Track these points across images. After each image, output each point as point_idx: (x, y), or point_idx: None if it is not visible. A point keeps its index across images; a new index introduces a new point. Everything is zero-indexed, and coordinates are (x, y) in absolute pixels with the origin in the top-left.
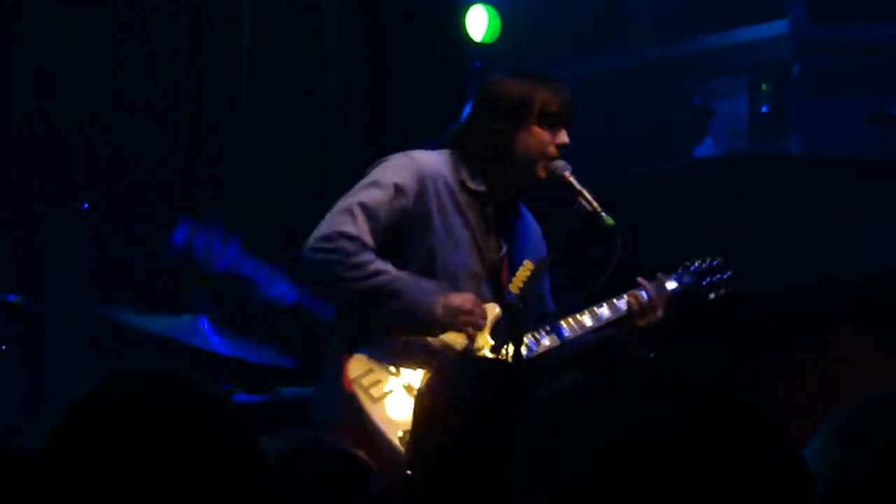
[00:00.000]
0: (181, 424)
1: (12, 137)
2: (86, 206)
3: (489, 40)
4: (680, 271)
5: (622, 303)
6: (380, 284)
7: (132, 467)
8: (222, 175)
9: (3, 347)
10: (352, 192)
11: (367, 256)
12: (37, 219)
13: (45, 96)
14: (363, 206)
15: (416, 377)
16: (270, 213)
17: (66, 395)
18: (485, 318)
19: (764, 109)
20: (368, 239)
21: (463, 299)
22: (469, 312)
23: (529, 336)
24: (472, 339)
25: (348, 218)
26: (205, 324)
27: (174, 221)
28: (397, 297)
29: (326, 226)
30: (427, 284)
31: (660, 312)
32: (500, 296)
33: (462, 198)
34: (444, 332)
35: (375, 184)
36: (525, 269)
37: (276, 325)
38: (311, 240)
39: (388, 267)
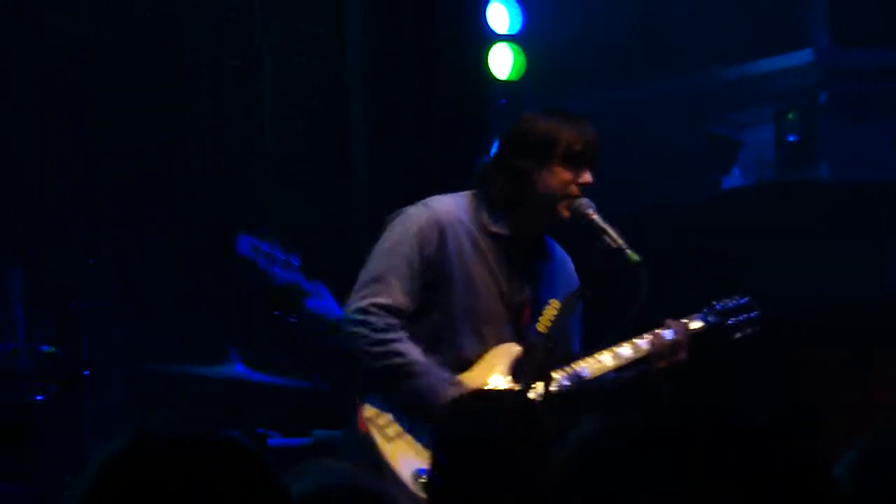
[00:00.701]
0: (210, 480)
1: (54, 187)
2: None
3: (514, 77)
4: (706, 310)
5: (644, 343)
6: (397, 365)
7: None
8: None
9: (39, 398)
10: (376, 254)
11: (393, 335)
12: (73, 267)
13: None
14: (391, 269)
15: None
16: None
17: (98, 453)
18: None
19: (791, 139)
20: (403, 304)
21: (479, 391)
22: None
23: (555, 376)
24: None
25: (379, 287)
26: (239, 365)
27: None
28: (411, 381)
29: (359, 297)
30: (442, 374)
31: (682, 354)
32: (521, 337)
33: (483, 241)
34: None
35: (399, 243)
36: (552, 308)
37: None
38: (347, 310)
39: (411, 350)
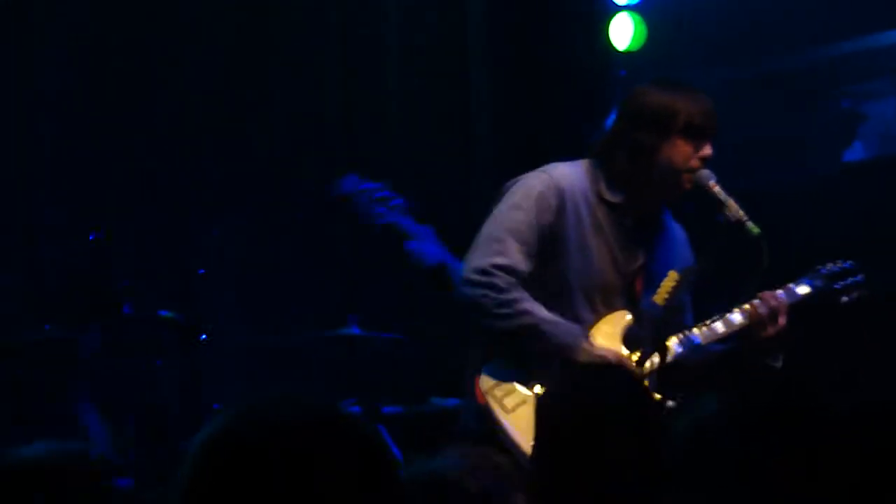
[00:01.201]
0: (314, 456)
1: (170, 166)
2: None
3: (634, 48)
4: (811, 275)
5: (752, 308)
6: (526, 325)
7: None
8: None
9: (159, 363)
10: (496, 216)
11: (516, 293)
12: (191, 238)
13: (194, 119)
14: (511, 231)
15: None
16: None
17: (207, 425)
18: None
19: None
20: (522, 266)
21: (606, 353)
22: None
23: (670, 346)
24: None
25: (499, 247)
26: (356, 328)
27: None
28: (541, 340)
29: (479, 256)
30: (572, 328)
31: (782, 320)
32: (634, 306)
33: (599, 210)
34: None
35: (518, 206)
36: (670, 280)
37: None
38: (466, 271)
39: (537, 308)
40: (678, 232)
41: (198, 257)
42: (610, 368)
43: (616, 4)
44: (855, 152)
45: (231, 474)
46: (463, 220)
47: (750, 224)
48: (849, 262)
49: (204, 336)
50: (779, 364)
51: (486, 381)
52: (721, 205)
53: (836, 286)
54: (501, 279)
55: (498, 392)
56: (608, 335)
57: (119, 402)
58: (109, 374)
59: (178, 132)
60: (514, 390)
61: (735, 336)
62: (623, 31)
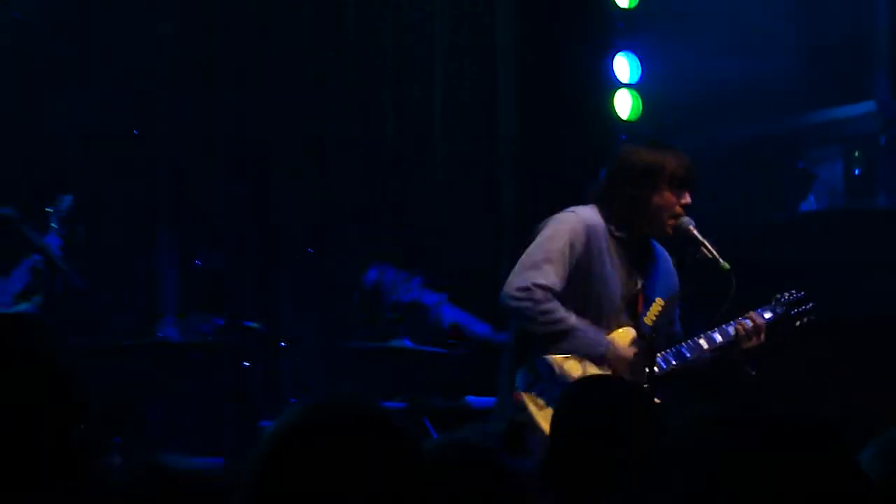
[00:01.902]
0: (366, 451)
1: (256, 189)
2: (311, 250)
3: (633, 118)
4: (773, 303)
5: (731, 329)
6: (561, 329)
7: (320, 489)
8: (410, 224)
9: (247, 364)
10: (535, 247)
11: (553, 304)
12: (274, 259)
13: (279, 153)
14: (548, 259)
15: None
16: (450, 254)
17: (275, 422)
18: (623, 367)
19: (857, 172)
20: (557, 286)
21: (624, 354)
22: (612, 365)
23: (660, 355)
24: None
25: (538, 271)
26: (407, 340)
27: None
28: (575, 340)
29: (521, 278)
30: (598, 334)
31: (762, 337)
32: (635, 321)
33: (612, 244)
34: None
35: (554, 238)
36: (657, 306)
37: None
38: (510, 288)
39: (569, 315)
40: (665, 257)
41: (287, 278)
42: (617, 379)
43: (619, 82)
44: (808, 204)
45: (295, 458)
46: (492, 255)
47: (721, 262)
48: (802, 292)
49: (283, 343)
50: (753, 371)
51: (522, 383)
52: (698, 245)
53: (792, 312)
54: (540, 293)
55: (532, 392)
56: (622, 346)
57: (217, 394)
58: (211, 372)
59: (259, 168)
60: (544, 391)
61: (718, 349)
62: (624, 104)
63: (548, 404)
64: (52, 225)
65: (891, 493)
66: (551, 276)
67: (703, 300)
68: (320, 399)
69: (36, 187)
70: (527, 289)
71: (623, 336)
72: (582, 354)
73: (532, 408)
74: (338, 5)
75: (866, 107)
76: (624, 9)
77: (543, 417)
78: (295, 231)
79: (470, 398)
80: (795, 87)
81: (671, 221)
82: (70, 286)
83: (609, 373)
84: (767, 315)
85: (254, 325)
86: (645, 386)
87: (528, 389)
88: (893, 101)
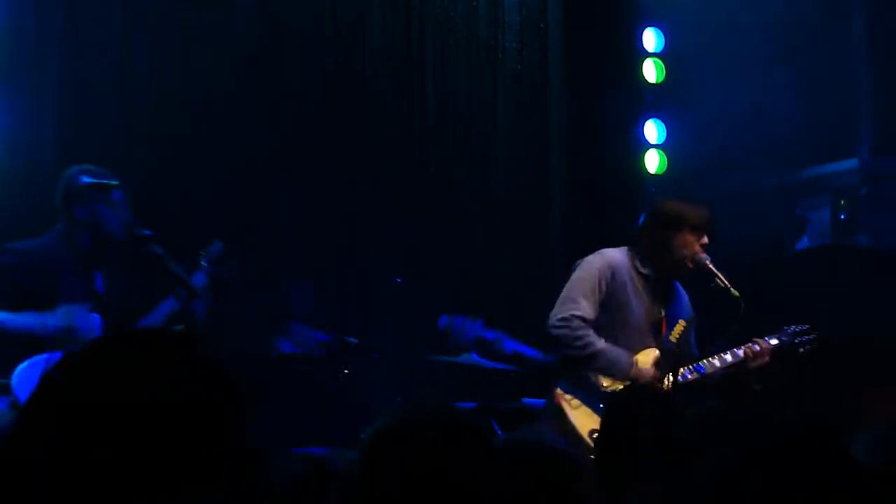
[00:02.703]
0: (453, 451)
1: (348, 215)
2: (399, 280)
3: (660, 173)
4: (779, 333)
5: (740, 352)
6: (593, 353)
7: (415, 485)
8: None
9: (346, 371)
10: (571, 284)
11: (587, 332)
12: (368, 285)
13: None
14: (583, 293)
15: (598, 397)
16: (509, 292)
17: (377, 420)
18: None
19: (842, 217)
20: (590, 316)
21: (646, 372)
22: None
23: (682, 370)
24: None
25: (575, 304)
26: (475, 355)
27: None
28: (603, 361)
29: (562, 310)
30: (624, 356)
31: (767, 359)
32: (659, 342)
33: (636, 279)
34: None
35: (586, 279)
36: (680, 326)
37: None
38: (553, 319)
39: (600, 341)
40: (683, 293)
41: (379, 301)
42: (644, 388)
43: (649, 143)
44: (803, 244)
45: (393, 451)
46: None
47: (732, 290)
48: (806, 326)
49: (376, 355)
50: (759, 387)
51: (561, 390)
52: (713, 276)
53: (796, 341)
54: (576, 323)
55: (567, 397)
56: (644, 363)
57: (322, 398)
58: (305, 378)
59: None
60: (577, 397)
61: (729, 367)
62: (653, 162)
63: (581, 405)
64: (203, 263)
65: (880, 478)
66: (586, 309)
67: (716, 323)
68: (411, 404)
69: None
70: (565, 319)
71: (646, 355)
72: (610, 373)
73: (565, 406)
74: (415, 65)
75: (850, 164)
76: (653, 84)
77: (575, 414)
78: (386, 262)
79: (526, 400)
80: (792, 147)
81: (691, 258)
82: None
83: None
84: (774, 341)
85: (352, 339)
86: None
87: (565, 392)
88: (872, 160)
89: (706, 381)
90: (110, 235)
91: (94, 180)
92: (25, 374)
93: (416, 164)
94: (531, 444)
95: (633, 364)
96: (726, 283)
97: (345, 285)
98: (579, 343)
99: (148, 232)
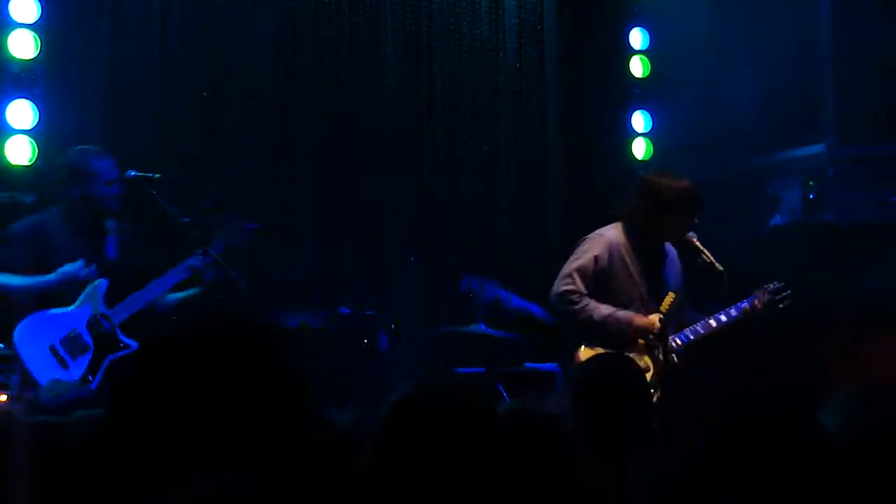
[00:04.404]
0: (459, 415)
1: (365, 196)
2: (415, 260)
3: (647, 158)
4: (761, 291)
5: (733, 311)
6: (600, 315)
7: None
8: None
9: (366, 342)
10: (571, 259)
11: (585, 301)
12: (388, 261)
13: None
14: (578, 269)
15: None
16: (515, 261)
17: (393, 393)
18: (655, 331)
19: (811, 196)
20: (584, 289)
21: (642, 323)
22: (644, 331)
23: (682, 333)
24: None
25: (570, 281)
26: (482, 325)
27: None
28: (608, 322)
29: (560, 285)
30: (623, 314)
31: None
32: (658, 306)
33: (629, 253)
34: (633, 340)
35: (582, 256)
36: (669, 298)
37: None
38: (553, 294)
39: (599, 305)
40: (672, 255)
41: (396, 278)
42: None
43: (636, 132)
44: (776, 220)
45: (408, 420)
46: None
47: (717, 265)
48: (781, 283)
49: (392, 327)
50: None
51: (584, 351)
52: (699, 252)
53: (776, 297)
54: (575, 295)
55: (590, 352)
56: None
57: (343, 368)
58: (335, 354)
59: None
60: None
61: (723, 326)
62: (640, 149)
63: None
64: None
65: (843, 441)
66: (579, 283)
67: (703, 294)
68: (425, 378)
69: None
70: (563, 293)
71: (651, 317)
72: (619, 334)
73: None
74: (424, 61)
75: (818, 148)
76: (639, 78)
77: None
78: (403, 241)
79: (529, 364)
80: (765, 134)
81: (680, 234)
82: (230, 282)
83: (630, 346)
84: (756, 302)
85: (371, 312)
86: (660, 357)
87: (589, 347)
88: (837, 145)
89: (704, 339)
90: (110, 209)
91: (138, 174)
92: (25, 328)
93: (425, 149)
94: (531, 413)
95: (635, 317)
96: (711, 258)
97: (363, 261)
98: (581, 316)
99: (187, 220)
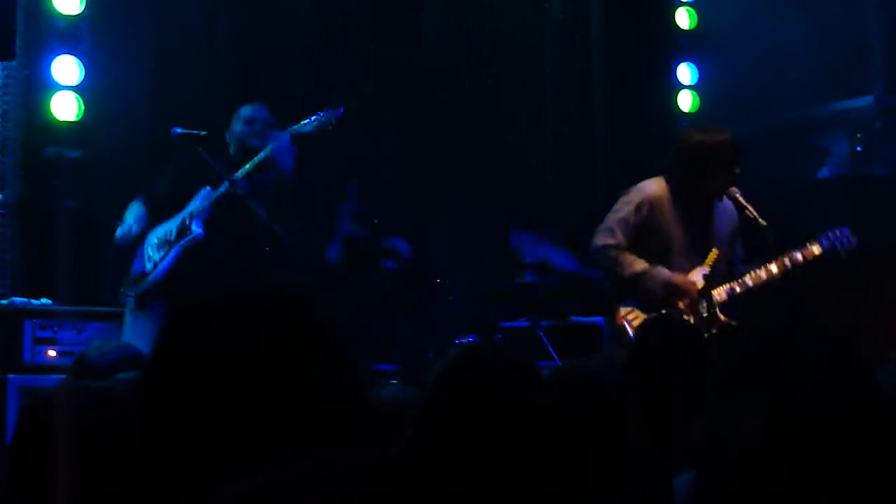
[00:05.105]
0: (506, 381)
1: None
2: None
3: (693, 111)
4: (821, 238)
5: (781, 262)
6: (633, 272)
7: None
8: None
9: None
10: (612, 212)
11: (625, 255)
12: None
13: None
14: (619, 221)
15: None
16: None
17: (441, 360)
18: (692, 292)
19: (858, 149)
20: (624, 242)
21: (681, 281)
22: (682, 290)
23: (728, 285)
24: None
25: (610, 234)
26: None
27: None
28: (643, 279)
29: (600, 238)
30: (662, 272)
31: (805, 263)
32: (703, 261)
33: (673, 207)
34: (668, 299)
35: (623, 209)
36: (713, 254)
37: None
38: (593, 245)
39: (639, 261)
40: (729, 208)
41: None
42: (672, 319)
43: (682, 84)
44: (823, 172)
45: (455, 388)
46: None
47: (760, 220)
48: (847, 227)
49: (439, 281)
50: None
51: (623, 309)
52: (743, 207)
53: (837, 245)
54: (613, 249)
55: (629, 317)
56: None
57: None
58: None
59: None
60: (637, 318)
61: (774, 278)
62: (685, 100)
63: (641, 317)
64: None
65: None
66: (619, 237)
67: (749, 248)
68: (472, 343)
69: None
70: (603, 247)
71: (696, 273)
72: (650, 290)
73: (626, 325)
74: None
75: (866, 100)
76: (685, 30)
77: (636, 330)
78: (450, 195)
79: (574, 318)
80: (814, 85)
81: (722, 189)
82: (278, 240)
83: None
84: (816, 249)
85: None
86: (705, 314)
87: (627, 308)
88: (885, 97)
89: (754, 292)
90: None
91: (184, 131)
92: None
93: (471, 105)
94: (579, 376)
95: (671, 279)
96: (755, 213)
97: (410, 216)
98: (618, 268)
99: (236, 176)
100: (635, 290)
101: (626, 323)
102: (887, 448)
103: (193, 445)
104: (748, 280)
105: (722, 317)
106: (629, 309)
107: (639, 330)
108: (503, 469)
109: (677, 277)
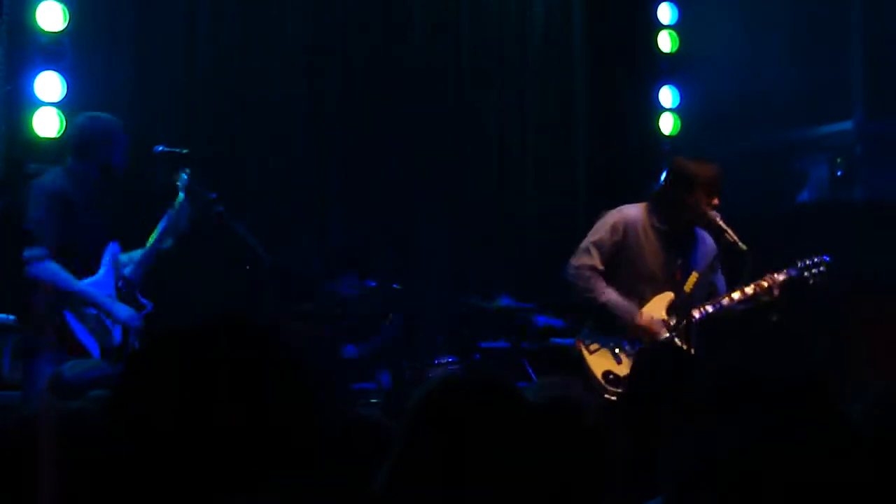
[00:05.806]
0: (486, 405)
1: (402, 180)
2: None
3: (674, 133)
4: (791, 266)
5: (755, 287)
6: (601, 302)
7: (451, 445)
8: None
9: (391, 315)
10: (588, 236)
11: (597, 283)
12: (416, 231)
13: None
14: (595, 244)
15: (615, 343)
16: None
17: (421, 386)
18: (658, 335)
19: (838, 173)
20: (599, 265)
21: (646, 321)
22: (649, 333)
23: (703, 308)
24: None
25: (587, 255)
26: (506, 299)
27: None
28: (609, 311)
29: (577, 259)
30: (630, 308)
31: (776, 293)
32: (675, 289)
33: (651, 232)
34: (633, 335)
35: (600, 231)
36: (693, 277)
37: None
38: (569, 266)
39: (608, 291)
40: (707, 240)
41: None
42: (665, 345)
43: (664, 107)
44: (803, 196)
45: (437, 413)
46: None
47: (740, 244)
48: (818, 257)
49: (417, 302)
50: (775, 318)
51: (582, 337)
52: (723, 232)
53: (805, 274)
54: (586, 272)
55: (587, 342)
56: (657, 308)
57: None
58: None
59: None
60: (595, 344)
61: (745, 300)
62: (667, 124)
63: (600, 348)
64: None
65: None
66: (595, 260)
67: (729, 272)
68: (453, 371)
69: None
70: (578, 268)
71: (661, 300)
72: (616, 322)
73: (584, 351)
74: (452, 33)
75: (846, 125)
76: (667, 53)
77: (591, 358)
78: (430, 214)
79: (555, 340)
80: (794, 110)
81: (703, 215)
82: (258, 259)
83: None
84: (782, 276)
85: (397, 286)
86: (676, 338)
87: (586, 338)
88: (866, 122)
89: (728, 315)
90: (117, 173)
91: (166, 149)
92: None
93: (451, 125)
94: (554, 396)
95: (635, 316)
96: (735, 237)
97: (391, 236)
98: (589, 293)
99: (214, 195)
100: (600, 317)
101: (583, 348)
102: (853, 484)
103: (160, 466)
104: (721, 301)
105: (689, 344)
106: (585, 336)
107: (638, 356)
108: (484, 497)
109: (643, 319)
